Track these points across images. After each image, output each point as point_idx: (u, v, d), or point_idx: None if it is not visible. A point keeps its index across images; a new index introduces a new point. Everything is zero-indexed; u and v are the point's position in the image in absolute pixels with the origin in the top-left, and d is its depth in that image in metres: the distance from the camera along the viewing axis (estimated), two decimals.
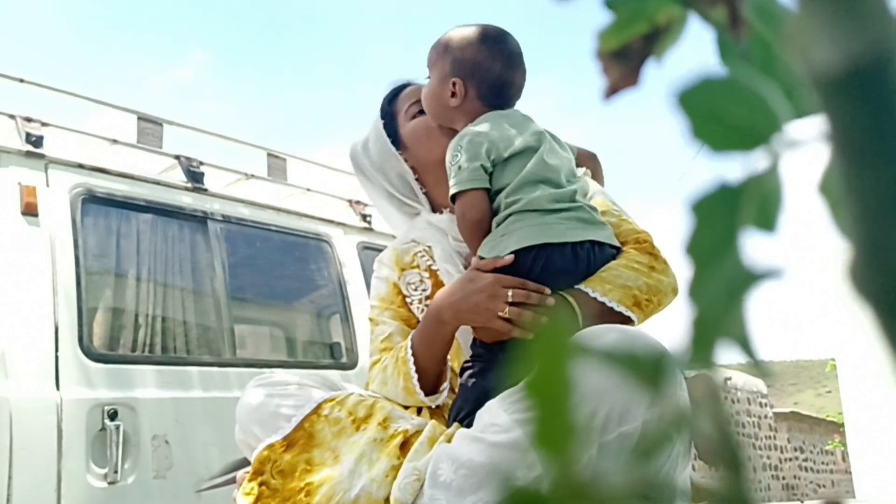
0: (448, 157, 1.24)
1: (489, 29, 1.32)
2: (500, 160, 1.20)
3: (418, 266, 1.39)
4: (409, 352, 1.27)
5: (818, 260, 7.67)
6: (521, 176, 1.19)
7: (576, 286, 1.18)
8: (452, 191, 1.22)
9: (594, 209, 1.25)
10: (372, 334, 1.41)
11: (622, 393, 0.95)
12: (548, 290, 1.16)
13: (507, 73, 1.29)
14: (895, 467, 6.96)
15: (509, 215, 1.19)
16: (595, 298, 1.16)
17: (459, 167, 1.20)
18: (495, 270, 1.17)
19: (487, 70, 1.28)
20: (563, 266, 1.17)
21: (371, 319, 1.42)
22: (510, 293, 1.14)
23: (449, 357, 1.31)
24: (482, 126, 1.24)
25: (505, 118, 1.26)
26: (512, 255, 1.16)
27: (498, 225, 1.20)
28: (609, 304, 1.16)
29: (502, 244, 1.18)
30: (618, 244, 1.25)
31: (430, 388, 1.28)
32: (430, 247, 1.40)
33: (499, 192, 1.21)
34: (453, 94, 1.29)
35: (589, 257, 1.19)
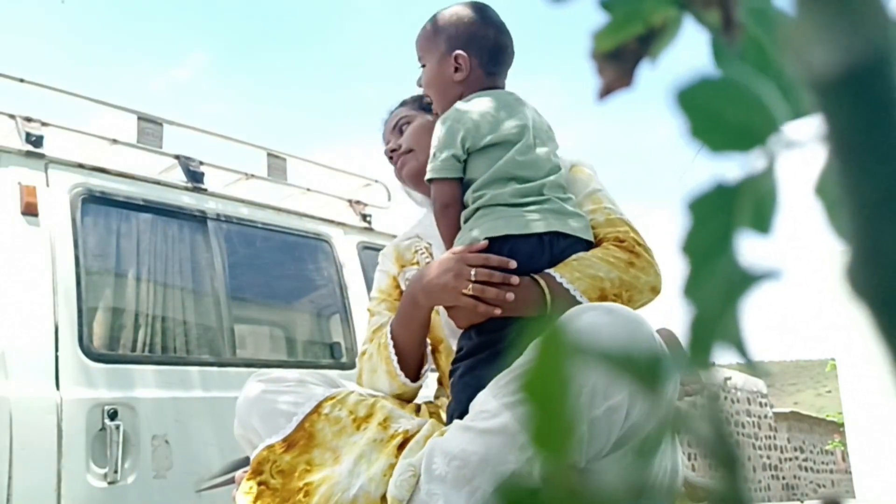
0: (433, 138, 1.29)
1: (470, 3, 1.36)
2: (476, 149, 1.24)
3: (418, 263, 1.43)
4: (389, 336, 1.32)
5: (816, 260, 7.67)
6: (491, 172, 1.22)
7: (544, 271, 1.20)
8: (426, 176, 1.27)
9: (565, 200, 1.26)
10: (368, 324, 1.45)
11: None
12: (513, 263, 1.18)
13: (500, 37, 1.34)
14: (895, 467, 6.95)
15: (476, 210, 1.22)
16: (561, 284, 1.18)
17: (434, 154, 1.26)
18: None
19: (483, 37, 1.32)
20: (528, 255, 1.19)
21: (369, 310, 1.47)
22: (473, 272, 1.16)
23: (436, 347, 1.33)
24: (467, 108, 1.26)
25: (496, 100, 1.28)
26: (486, 241, 1.19)
27: (466, 220, 1.24)
28: (573, 293, 1.17)
29: (471, 238, 1.21)
30: (590, 237, 1.26)
31: (413, 373, 1.32)
32: (430, 244, 1.44)
33: (470, 184, 1.24)
34: (457, 69, 1.32)
35: (552, 246, 1.21)
